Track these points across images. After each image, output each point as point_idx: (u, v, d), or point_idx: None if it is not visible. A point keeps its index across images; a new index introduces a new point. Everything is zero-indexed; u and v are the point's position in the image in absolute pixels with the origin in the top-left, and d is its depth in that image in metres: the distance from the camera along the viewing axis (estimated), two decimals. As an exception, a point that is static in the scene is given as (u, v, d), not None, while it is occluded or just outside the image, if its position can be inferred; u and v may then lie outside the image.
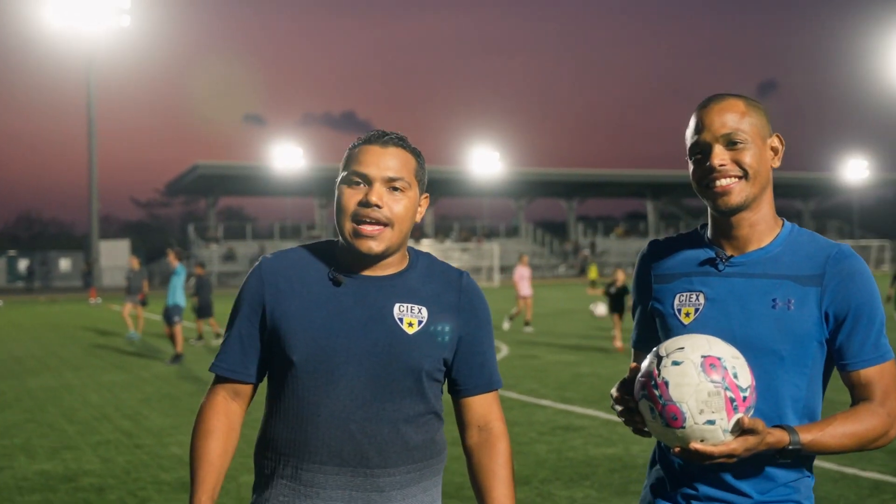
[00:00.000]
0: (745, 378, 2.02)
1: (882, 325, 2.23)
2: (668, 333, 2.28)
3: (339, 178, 2.31)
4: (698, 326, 2.22)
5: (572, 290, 46.20)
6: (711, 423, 1.98)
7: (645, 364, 2.09)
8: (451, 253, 69.01)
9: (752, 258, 2.26)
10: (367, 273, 2.30)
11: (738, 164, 2.21)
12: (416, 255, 2.39)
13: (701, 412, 1.97)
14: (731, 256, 2.28)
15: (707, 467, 2.20)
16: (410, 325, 2.26)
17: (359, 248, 2.25)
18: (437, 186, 73.29)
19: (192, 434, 2.36)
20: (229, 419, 2.35)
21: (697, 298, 2.28)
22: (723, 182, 2.21)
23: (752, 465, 2.18)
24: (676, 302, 2.31)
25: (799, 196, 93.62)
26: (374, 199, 2.23)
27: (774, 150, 2.30)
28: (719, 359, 2.00)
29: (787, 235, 2.29)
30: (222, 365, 2.36)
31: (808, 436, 2.08)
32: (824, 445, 2.11)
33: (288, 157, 63.84)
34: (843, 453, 2.19)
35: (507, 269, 65.88)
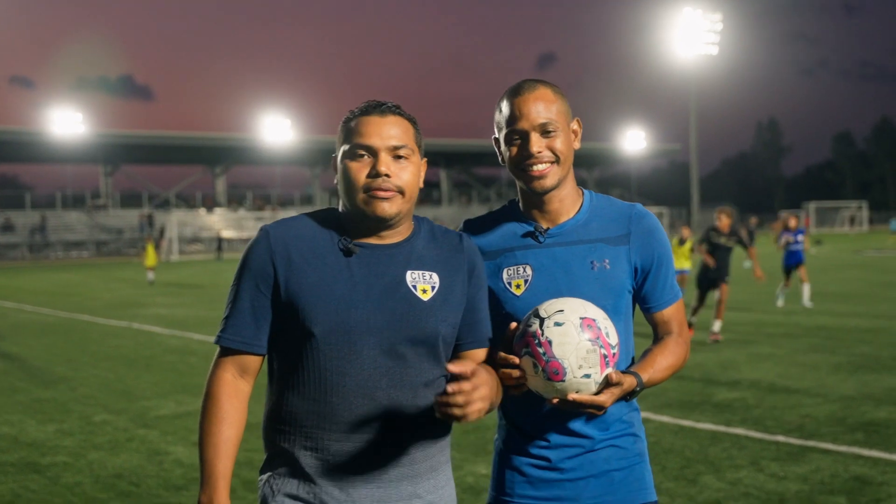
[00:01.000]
0: (614, 337, 2.22)
1: (672, 267, 2.56)
2: (501, 306, 2.46)
3: (341, 153, 2.28)
4: (530, 296, 2.41)
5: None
6: (587, 376, 2.16)
7: (525, 324, 2.22)
8: (245, 222, 67.62)
9: (566, 228, 2.48)
10: (375, 241, 2.29)
11: (552, 150, 2.40)
12: (417, 221, 2.40)
13: (580, 367, 2.15)
14: (548, 228, 2.48)
15: (551, 419, 2.43)
16: (424, 291, 2.27)
17: (374, 212, 2.23)
18: (227, 154, 71.51)
19: (203, 416, 2.28)
20: (240, 401, 2.30)
21: (525, 270, 2.47)
22: (539, 167, 2.41)
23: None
24: (505, 276, 2.48)
25: (584, 165, 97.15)
26: (383, 169, 2.22)
27: (575, 132, 2.50)
28: (594, 320, 2.19)
29: (589, 203, 2.52)
30: (234, 337, 2.28)
31: (645, 375, 2.32)
32: (655, 380, 2.37)
33: (66, 122, 60.55)
34: (661, 383, 2.43)
35: (303, 238, 65.14)
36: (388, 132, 2.25)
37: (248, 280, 2.27)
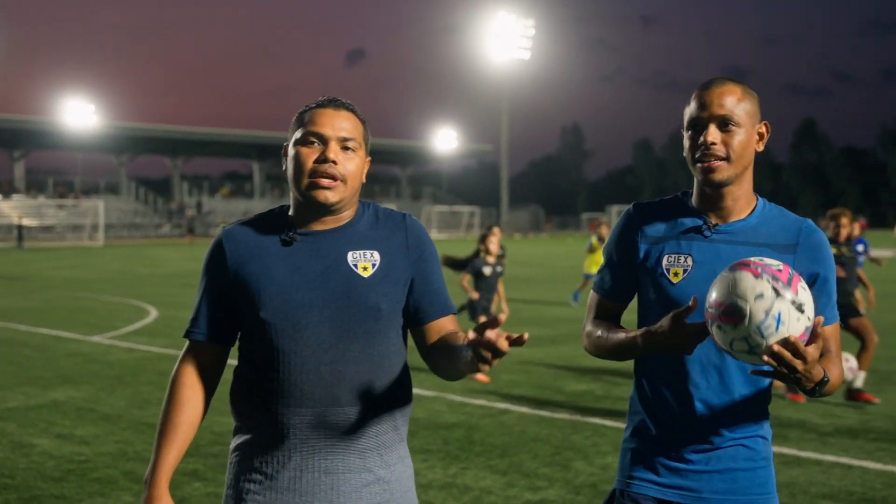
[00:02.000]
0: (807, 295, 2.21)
1: (835, 289, 2.54)
2: (657, 291, 2.51)
3: (293, 139, 2.43)
4: (686, 285, 2.45)
5: (183, 251, 45.18)
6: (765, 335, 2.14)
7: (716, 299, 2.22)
8: (45, 210, 64.46)
9: (735, 227, 2.49)
10: (319, 228, 2.44)
11: (726, 145, 2.42)
12: (362, 206, 2.52)
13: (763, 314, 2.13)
14: (717, 224, 2.50)
15: (684, 413, 2.46)
16: (365, 268, 2.40)
17: (316, 199, 2.38)
18: (26, 138, 68.00)
19: (164, 401, 2.47)
20: (196, 390, 2.47)
21: (686, 260, 2.48)
22: (709, 161, 2.43)
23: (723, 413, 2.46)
24: (665, 262, 2.51)
25: (397, 163, 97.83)
26: (331, 155, 2.37)
27: (760, 135, 2.50)
28: (783, 268, 2.20)
29: (762, 209, 2.53)
30: (193, 329, 2.50)
31: (828, 373, 2.28)
32: (832, 385, 2.32)
33: None
34: (825, 396, 2.39)
35: (111, 228, 62.87)
36: (339, 124, 2.41)
37: (206, 279, 2.51)
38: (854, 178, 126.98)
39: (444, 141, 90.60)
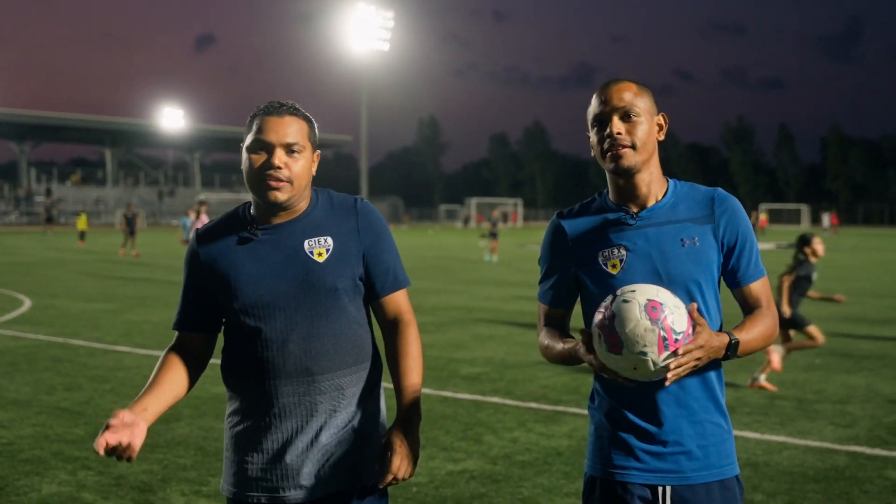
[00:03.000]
0: (681, 325, 2.39)
1: (756, 245, 2.71)
2: (600, 286, 2.65)
3: (245, 145, 2.68)
4: (626, 274, 2.61)
5: (39, 240, 43.67)
6: (644, 354, 2.35)
7: (603, 301, 2.50)
8: None
9: (655, 210, 2.66)
10: (277, 221, 2.71)
11: (631, 134, 2.61)
12: (315, 194, 2.78)
13: (636, 343, 2.35)
14: (638, 212, 2.67)
15: (650, 394, 2.59)
16: (320, 254, 2.68)
17: (267, 199, 2.63)
18: None
19: (154, 370, 2.75)
20: (177, 368, 2.74)
21: (620, 251, 2.65)
22: (617, 149, 2.61)
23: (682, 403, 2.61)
24: (601, 258, 2.67)
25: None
26: (276, 162, 2.61)
27: (660, 126, 2.71)
28: (662, 304, 2.38)
29: (674, 189, 2.71)
30: (179, 322, 2.82)
31: (739, 335, 2.53)
32: (750, 345, 2.56)
33: None
34: (753, 352, 2.62)
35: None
36: (283, 130, 2.63)
37: (185, 276, 2.80)
38: (699, 173, 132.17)
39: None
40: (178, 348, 2.79)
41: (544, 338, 2.78)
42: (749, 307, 2.68)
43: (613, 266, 2.64)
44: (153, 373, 2.71)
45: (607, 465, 2.66)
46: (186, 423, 7.35)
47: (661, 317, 2.36)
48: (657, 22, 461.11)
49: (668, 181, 2.73)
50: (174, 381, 2.71)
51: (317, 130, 2.76)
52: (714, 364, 2.62)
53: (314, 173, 2.74)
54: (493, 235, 31.95)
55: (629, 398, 2.62)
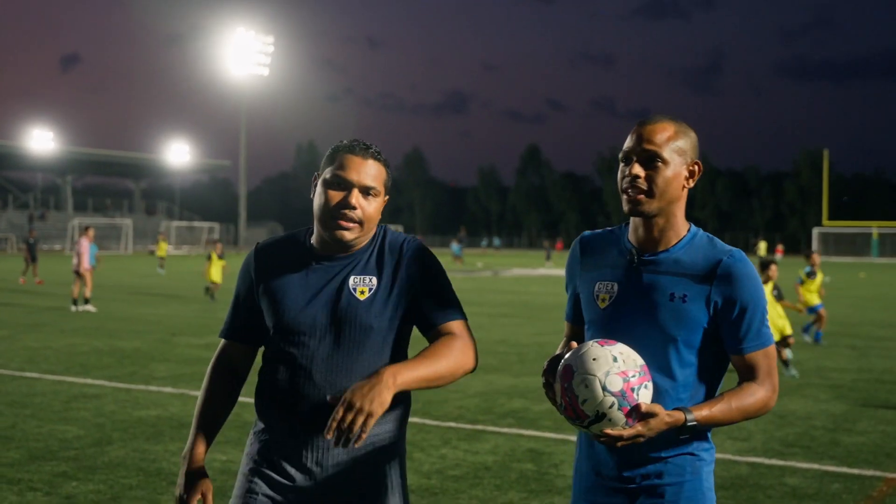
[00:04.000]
0: (646, 395, 2.45)
1: (764, 315, 2.61)
2: (590, 314, 2.72)
3: (323, 177, 2.74)
4: (610, 311, 2.64)
5: None
6: (610, 422, 2.44)
7: (564, 367, 2.49)
8: None
9: (660, 257, 2.62)
10: (333, 254, 2.77)
11: (650, 180, 2.57)
12: (377, 231, 2.83)
13: (602, 418, 2.43)
14: (644, 254, 2.64)
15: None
16: (362, 292, 2.73)
17: (335, 237, 2.70)
18: None
19: (201, 390, 2.88)
20: (224, 380, 2.88)
21: (612, 287, 2.66)
22: (631, 193, 2.60)
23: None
24: (596, 288, 2.70)
25: (130, 176, 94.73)
26: (353, 201, 2.68)
27: (691, 172, 2.64)
28: (626, 372, 2.43)
29: (689, 240, 2.64)
30: (226, 329, 2.91)
31: (700, 412, 2.49)
32: (717, 419, 2.51)
33: None
34: (732, 424, 2.60)
35: None
36: (365, 172, 2.71)
37: (238, 286, 2.90)
38: (574, 201, 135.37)
39: (177, 154, 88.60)
40: (222, 362, 2.87)
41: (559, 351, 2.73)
42: (742, 377, 2.62)
43: (602, 300, 2.66)
44: (202, 398, 2.83)
45: (575, 491, 2.78)
46: (119, 445, 7.47)
47: (622, 386, 2.42)
48: (528, 51, 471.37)
49: (689, 230, 2.67)
50: (223, 407, 2.86)
51: (391, 174, 2.82)
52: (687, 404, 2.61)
53: (380, 216, 2.79)
54: None
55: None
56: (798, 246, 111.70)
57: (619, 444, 2.43)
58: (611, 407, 2.39)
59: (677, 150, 2.58)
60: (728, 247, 2.62)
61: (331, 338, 2.70)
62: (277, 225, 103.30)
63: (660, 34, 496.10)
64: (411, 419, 8.77)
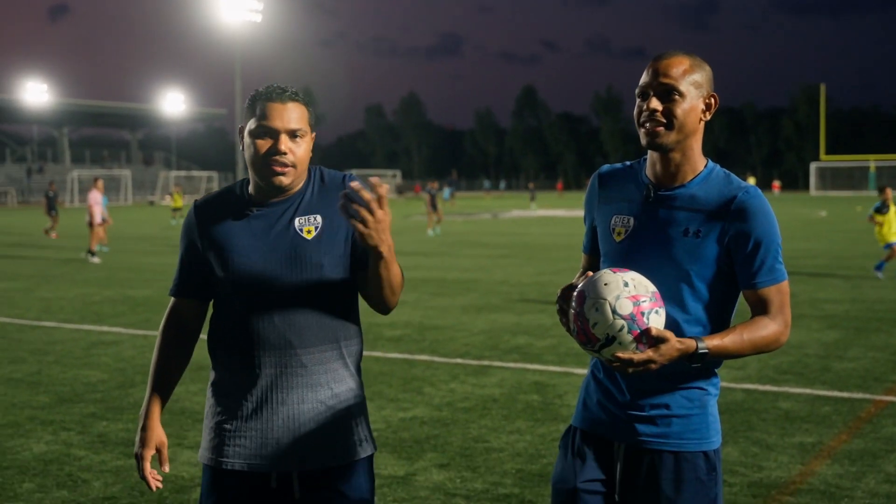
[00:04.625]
0: (657, 321, 2.45)
1: (778, 251, 2.62)
2: (606, 247, 2.76)
3: (248, 129, 2.73)
4: (626, 245, 2.68)
5: None
6: (622, 343, 2.45)
7: (577, 293, 2.53)
8: None
9: (676, 192, 2.64)
10: (273, 200, 2.79)
11: (669, 112, 2.58)
12: (310, 174, 2.85)
13: (612, 341, 2.45)
14: (660, 189, 2.66)
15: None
16: (308, 231, 2.75)
17: (272, 183, 2.72)
18: None
19: (154, 349, 2.92)
20: (177, 336, 2.90)
21: (628, 221, 2.69)
22: (649, 126, 2.60)
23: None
24: (612, 222, 2.73)
25: (126, 126, 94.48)
26: (282, 147, 2.69)
27: (707, 105, 2.65)
28: (638, 297, 2.45)
29: (706, 175, 2.66)
30: (175, 287, 2.92)
31: (711, 342, 2.49)
32: (730, 350, 2.52)
33: None
34: (743, 356, 2.61)
35: None
36: (287, 116, 2.69)
37: (182, 244, 2.89)
38: (571, 142, 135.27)
39: (173, 104, 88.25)
40: (173, 320, 2.90)
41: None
42: (754, 311, 2.64)
43: (618, 234, 2.70)
44: (155, 358, 2.87)
45: (579, 417, 2.81)
46: (142, 388, 7.81)
47: (632, 310, 2.43)
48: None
49: (706, 165, 2.69)
50: (177, 365, 2.90)
51: (313, 112, 2.84)
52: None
53: (311, 154, 2.83)
54: (433, 207, 31.06)
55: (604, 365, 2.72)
56: (796, 182, 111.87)
57: (631, 369, 2.42)
58: (620, 330, 2.42)
59: (693, 82, 2.60)
60: (744, 183, 2.64)
61: (284, 280, 2.73)
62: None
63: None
64: (420, 356, 9.25)
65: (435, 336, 10.28)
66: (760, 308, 2.61)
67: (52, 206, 30.58)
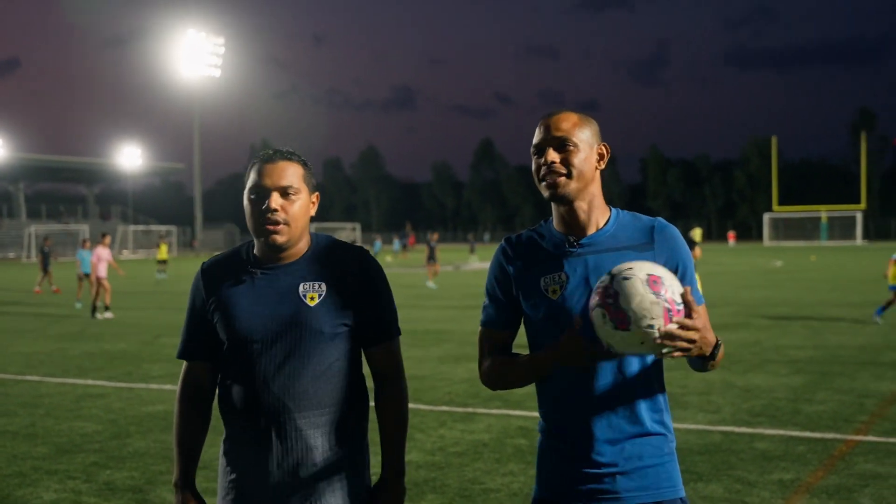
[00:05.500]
0: (679, 296, 2.40)
1: (694, 276, 2.74)
2: (541, 310, 2.69)
3: (245, 192, 2.81)
4: (565, 299, 2.65)
5: None
6: (651, 327, 2.35)
7: (598, 283, 2.48)
8: None
9: (596, 238, 2.69)
10: (277, 262, 2.83)
11: (566, 163, 2.65)
12: (316, 240, 2.90)
13: (643, 318, 2.34)
14: (579, 239, 2.70)
15: (586, 414, 2.62)
16: (312, 298, 2.78)
17: (266, 241, 2.77)
18: None
19: (174, 415, 2.96)
20: (193, 400, 2.93)
21: (560, 277, 2.67)
22: (550, 178, 2.67)
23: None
24: (542, 284, 2.69)
25: (83, 181, 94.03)
26: (273, 205, 2.73)
27: (601, 154, 2.74)
28: (661, 277, 2.40)
29: (616, 218, 2.74)
30: (184, 351, 2.95)
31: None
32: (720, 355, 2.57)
33: None
34: (702, 371, 2.67)
35: None
36: (278, 174, 2.75)
37: (189, 306, 2.93)
38: (528, 194, 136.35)
39: (129, 158, 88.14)
40: (188, 384, 2.93)
41: (495, 361, 2.78)
42: None
43: (553, 292, 2.67)
44: (176, 426, 2.91)
45: (547, 487, 2.73)
46: (138, 438, 8.00)
47: (662, 290, 2.37)
48: (473, 45, 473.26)
49: (610, 210, 2.76)
50: (200, 429, 2.93)
51: (312, 172, 2.88)
52: (658, 385, 2.70)
53: (313, 214, 2.87)
54: (431, 259, 31.67)
55: (564, 420, 2.68)
56: (749, 232, 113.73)
57: (668, 342, 2.35)
58: (653, 303, 2.35)
59: (584, 135, 2.69)
60: (650, 217, 2.76)
61: (283, 345, 2.75)
62: (233, 226, 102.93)
63: (603, 26, 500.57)
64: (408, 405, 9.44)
65: (417, 385, 10.53)
66: None
67: (46, 262, 30.62)
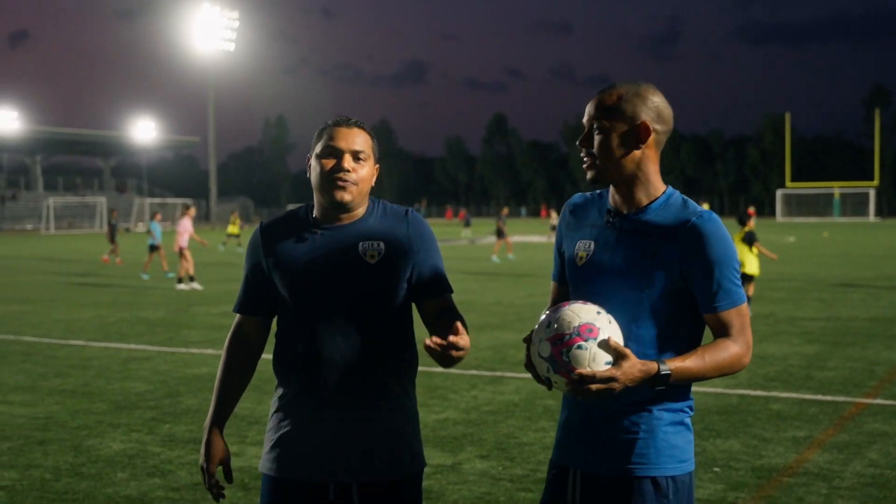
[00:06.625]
0: (569, 325, 2.44)
1: (735, 274, 2.61)
2: (570, 272, 2.80)
3: (315, 153, 2.91)
4: (587, 268, 2.71)
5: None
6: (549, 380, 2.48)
7: (545, 332, 2.49)
8: None
9: (633, 217, 2.68)
10: (337, 223, 2.91)
11: (589, 154, 2.71)
12: (372, 203, 2.98)
13: (550, 382, 2.49)
14: (619, 215, 2.70)
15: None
16: (372, 256, 2.87)
17: (334, 198, 2.84)
18: None
19: (219, 365, 3.06)
20: (240, 354, 3.03)
21: (589, 246, 2.73)
22: (584, 167, 2.74)
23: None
24: (576, 247, 2.76)
25: (99, 154, 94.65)
26: (345, 165, 2.85)
27: (637, 136, 2.67)
28: (558, 335, 2.45)
29: (663, 201, 2.68)
30: (239, 305, 3.05)
31: (672, 364, 2.47)
32: (692, 372, 2.50)
33: None
34: (706, 378, 2.58)
35: None
36: (352, 139, 2.87)
37: (247, 263, 3.01)
38: (541, 170, 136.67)
39: (144, 132, 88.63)
40: (238, 337, 3.03)
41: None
42: (715, 335, 2.63)
43: (580, 259, 2.73)
44: (220, 374, 3.01)
45: (555, 445, 2.84)
46: (189, 396, 8.53)
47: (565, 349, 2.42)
48: (485, 19, 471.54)
49: (665, 191, 2.72)
50: (241, 382, 3.04)
51: (377, 146, 3.01)
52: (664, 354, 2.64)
53: (373, 184, 2.97)
54: (499, 234, 31.85)
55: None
56: (762, 208, 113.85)
57: (595, 387, 2.38)
58: (549, 371, 2.45)
59: (615, 114, 2.67)
60: (700, 208, 2.66)
61: (345, 302, 2.84)
62: (248, 200, 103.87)
63: (616, 0, 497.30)
64: (437, 369, 9.94)
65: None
66: (721, 331, 2.61)
67: (113, 233, 31.35)
